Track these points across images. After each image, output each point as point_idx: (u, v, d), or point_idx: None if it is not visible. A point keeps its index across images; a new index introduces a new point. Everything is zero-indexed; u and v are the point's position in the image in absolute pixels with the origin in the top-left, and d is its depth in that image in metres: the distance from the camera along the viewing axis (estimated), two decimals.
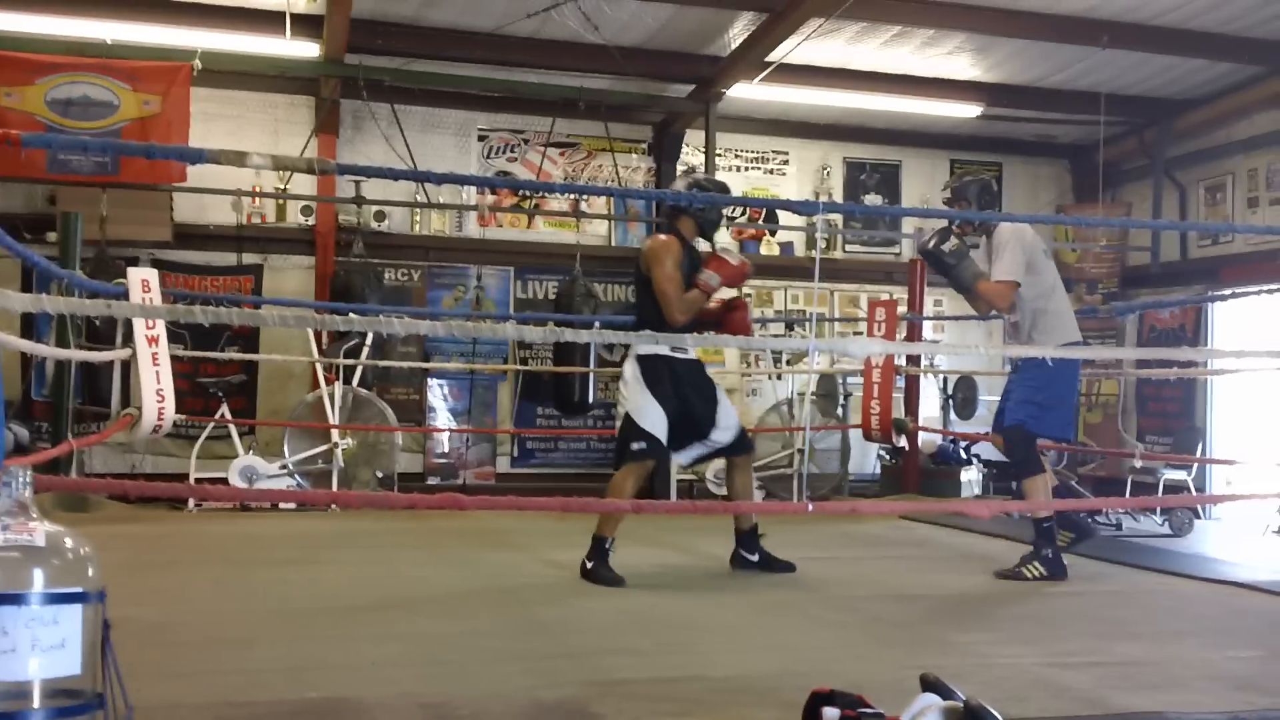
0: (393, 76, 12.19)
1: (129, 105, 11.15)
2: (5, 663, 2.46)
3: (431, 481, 13.27)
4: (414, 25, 11.93)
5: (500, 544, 7.59)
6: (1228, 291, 11.79)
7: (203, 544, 7.55)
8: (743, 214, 14.54)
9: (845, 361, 12.68)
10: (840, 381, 13.64)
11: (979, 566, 7.10)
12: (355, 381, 11.67)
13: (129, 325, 8.04)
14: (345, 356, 11.35)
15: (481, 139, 13.76)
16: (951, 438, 12.63)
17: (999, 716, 2.96)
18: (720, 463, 12.53)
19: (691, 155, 14.23)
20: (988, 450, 12.59)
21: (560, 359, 12.99)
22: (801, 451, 11.84)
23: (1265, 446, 12.49)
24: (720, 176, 13.70)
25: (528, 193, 13.81)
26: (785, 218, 14.47)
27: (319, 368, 11.61)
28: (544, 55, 12.32)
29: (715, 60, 12.59)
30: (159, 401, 7.77)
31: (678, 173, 13.86)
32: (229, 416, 11.38)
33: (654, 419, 6.26)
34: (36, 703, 2.54)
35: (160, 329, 7.83)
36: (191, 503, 10.09)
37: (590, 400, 13.04)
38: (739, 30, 11.82)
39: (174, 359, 8.35)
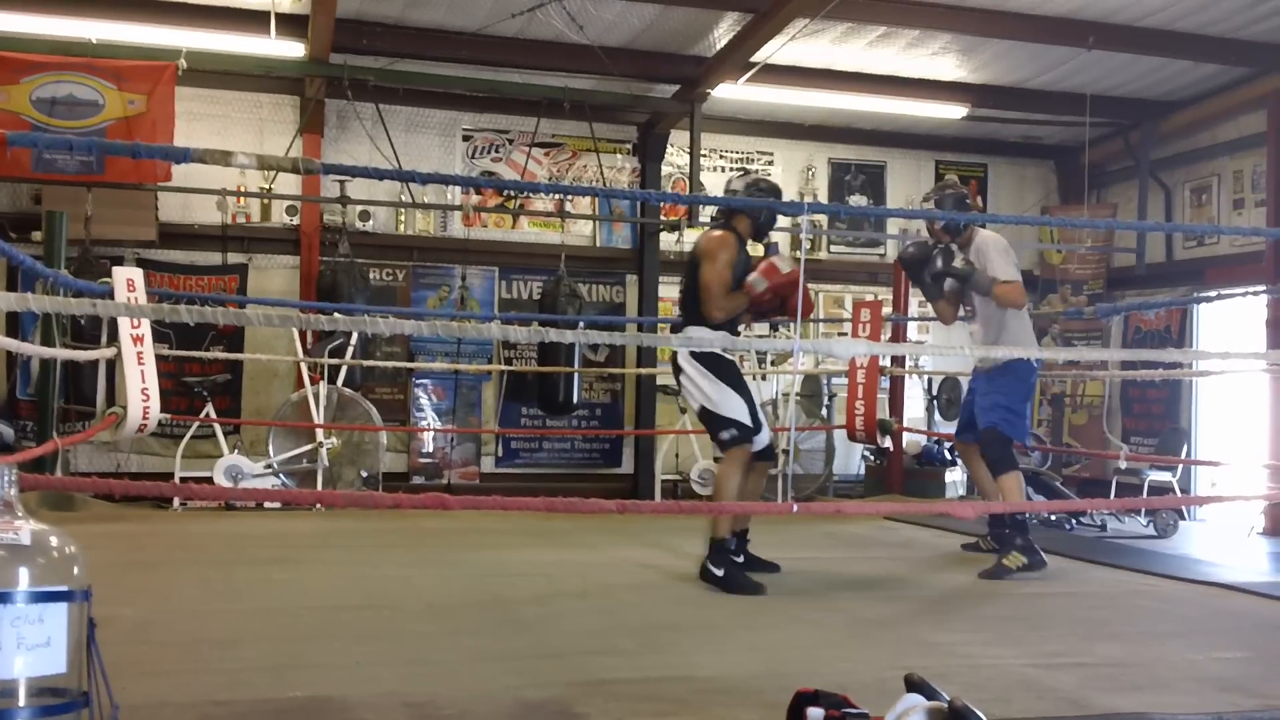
0: (377, 76, 12.16)
1: (114, 104, 11.12)
2: None
3: (416, 481, 13.25)
4: (399, 25, 11.92)
5: (485, 544, 7.59)
6: (1213, 293, 11.82)
7: (188, 543, 7.54)
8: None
9: (830, 362, 12.70)
10: (825, 382, 13.67)
11: (963, 567, 7.12)
12: (340, 381, 11.66)
13: (114, 324, 8.01)
14: (330, 356, 11.33)
15: (466, 139, 13.75)
16: (936, 439, 12.66)
17: (983, 717, 2.97)
18: (705, 463, 12.66)
19: (676, 155, 14.24)
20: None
21: (545, 359, 13.00)
22: (786, 452, 11.83)
23: (1249, 448, 12.53)
24: (704, 177, 13.76)
25: (512, 193, 13.79)
26: (733, 174, 14.50)
27: (304, 367, 11.60)
28: (529, 55, 12.31)
29: (700, 60, 12.59)
30: (144, 400, 7.75)
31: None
32: (214, 416, 11.36)
33: (733, 405, 6.29)
34: (22, 701, 2.54)
35: (145, 328, 7.81)
36: (176, 502, 10.08)
37: (575, 400, 13.04)
38: (724, 30, 11.82)
39: (159, 358, 8.32)
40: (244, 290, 12.78)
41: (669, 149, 14.21)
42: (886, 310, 10.89)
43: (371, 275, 13.11)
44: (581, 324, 11.93)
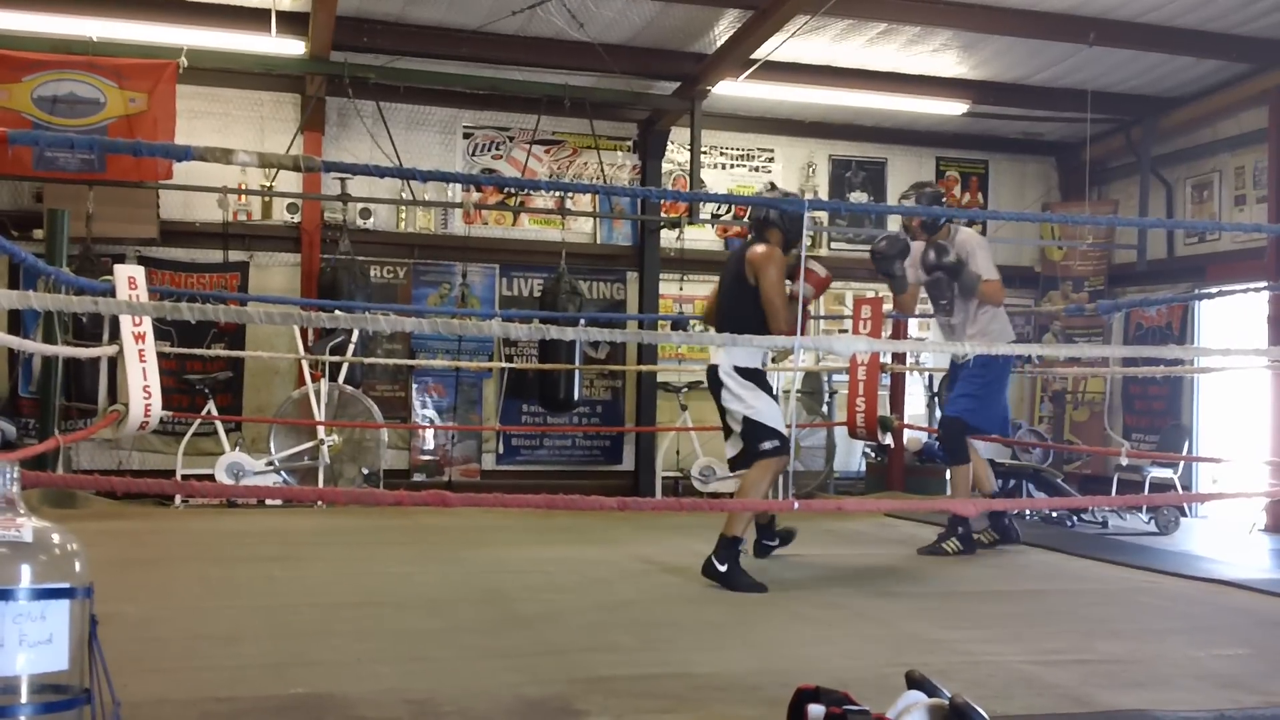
0: (378, 74, 12.17)
1: (115, 103, 11.12)
2: None
3: (417, 478, 13.27)
4: (399, 23, 11.92)
5: (485, 541, 7.60)
6: (1214, 289, 11.80)
7: (189, 540, 7.54)
8: (728, 211, 14.55)
9: (830, 359, 12.69)
10: (825, 379, 13.67)
11: (964, 564, 7.12)
12: (341, 378, 11.67)
13: (115, 322, 8.01)
14: (331, 353, 11.34)
15: (467, 136, 13.75)
16: (937, 436, 12.65)
17: (984, 714, 2.97)
18: (705, 460, 12.67)
19: (677, 153, 14.24)
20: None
21: (545, 357, 13.00)
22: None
23: (1251, 445, 12.52)
24: (704, 174, 13.76)
25: (513, 190, 13.80)
26: (763, 185, 14.48)
27: (305, 365, 11.61)
28: (529, 53, 12.31)
29: (700, 57, 12.59)
30: (145, 398, 7.75)
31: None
32: (215, 413, 11.38)
33: (775, 416, 6.48)
34: (24, 698, 2.54)
35: (147, 326, 7.81)
36: (178, 499, 10.09)
37: (575, 398, 13.04)
38: (724, 27, 11.82)
39: (160, 356, 8.32)
40: (245, 288, 12.79)
41: (669, 146, 14.21)
42: (887, 307, 10.86)
43: (372, 273, 13.12)
44: (582, 321, 11.93)
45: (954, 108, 13.67)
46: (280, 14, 11.13)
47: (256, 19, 11.19)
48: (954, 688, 3.13)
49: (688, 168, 13.63)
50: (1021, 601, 5.99)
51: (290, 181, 12.69)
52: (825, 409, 13.70)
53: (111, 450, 11.93)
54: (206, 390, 11.46)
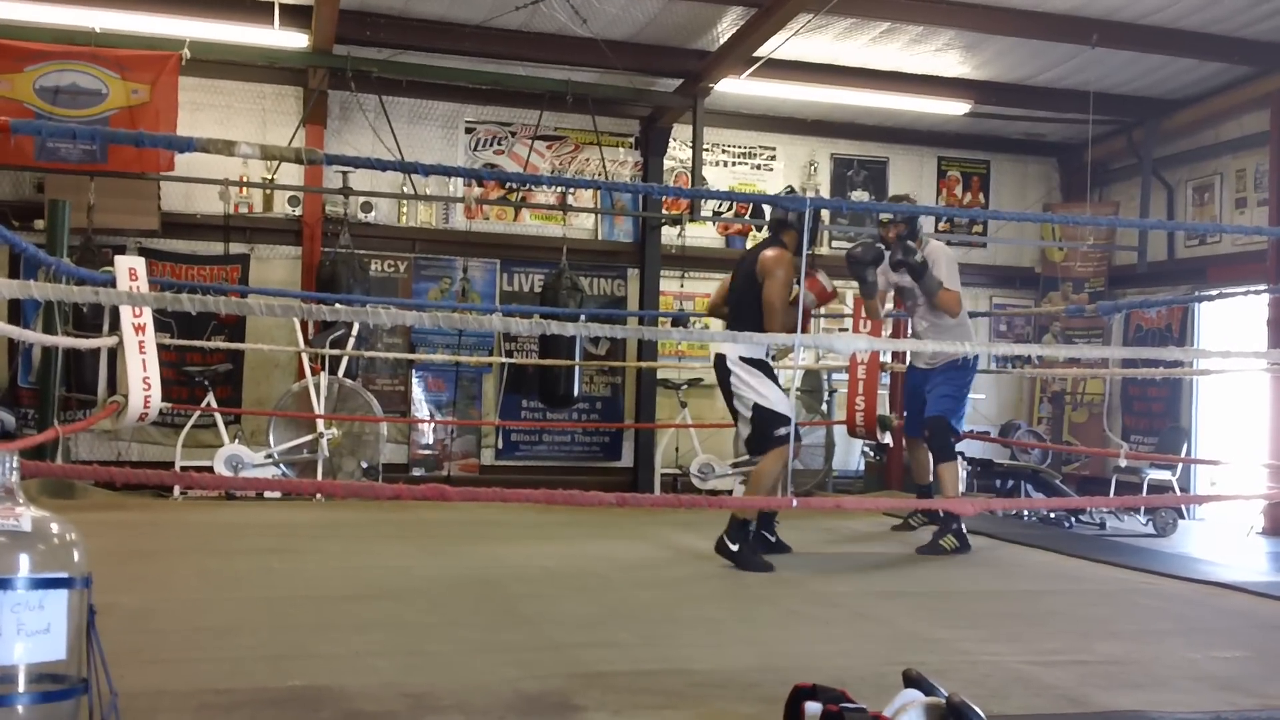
0: (380, 68, 12.16)
1: (117, 94, 11.12)
2: None
3: (416, 473, 13.27)
4: (402, 17, 11.91)
5: (483, 536, 7.60)
6: (1214, 292, 11.80)
7: (188, 532, 7.55)
8: (729, 209, 14.55)
9: (830, 357, 12.69)
10: (825, 377, 13.67)
11: (962, 564, 7.13)
12: (341, 372, 11.67)
13: (116, 313, 8.01)
14: (331, 347, 11.34)
15: (469, 131, 13.74)
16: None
17: (981, 713, 2.97)
18: (705, 457, 12.67)
19: (679, 150, 14.24)
20: (972, 448, 12.64)
21: (545, 352, 13.00)
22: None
23: (1249, 447, 12.53)
24: (706, 171, 13.75)
25: (515, 185, 13.80)
26: (783, 188, 14.47)
27: (304, 358, 11.61)
28: (532, 48, 12.30)
29: (703, 55, 12.58)
30: (145, 389, 7.75)
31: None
32: (215, 405, 11.37)
33: (784, 404, 6.79)
34: (21, 687, 2.54)
35: (147, 317, 7.81)
36: (177, 491, 10.09)
37: (575, 394, 13.04)
38: (727, 25, 11.82)
39: (160, 347, 8.32)
40: (246, 280, 12.79)
41: (671, 143, 14.20)
42: (888, 306, 10.86)
43: (373, 267, 13.11)
44: (583, 317, 11.93)
45: (956, 107, 13.66)
46: (283, 7, 11.12)
47: (259, 11, 11.18)
48: (951, 687, 3.13)
49: (689, 165, 13.63)
50: (1019, 602, 5.99)
51: (292, 175, 12.70)
52: (825, 408, 13.70)
53: (110, 441, 11.94)
54: (206, 382, 11.45)
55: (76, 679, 2.63)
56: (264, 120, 12.90)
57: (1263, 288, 10.28)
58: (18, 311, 11.10)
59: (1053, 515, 11.53)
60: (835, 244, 14.92)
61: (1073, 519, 11.86)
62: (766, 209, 14.38)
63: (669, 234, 14.12)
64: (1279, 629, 5.57)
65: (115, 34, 11.26)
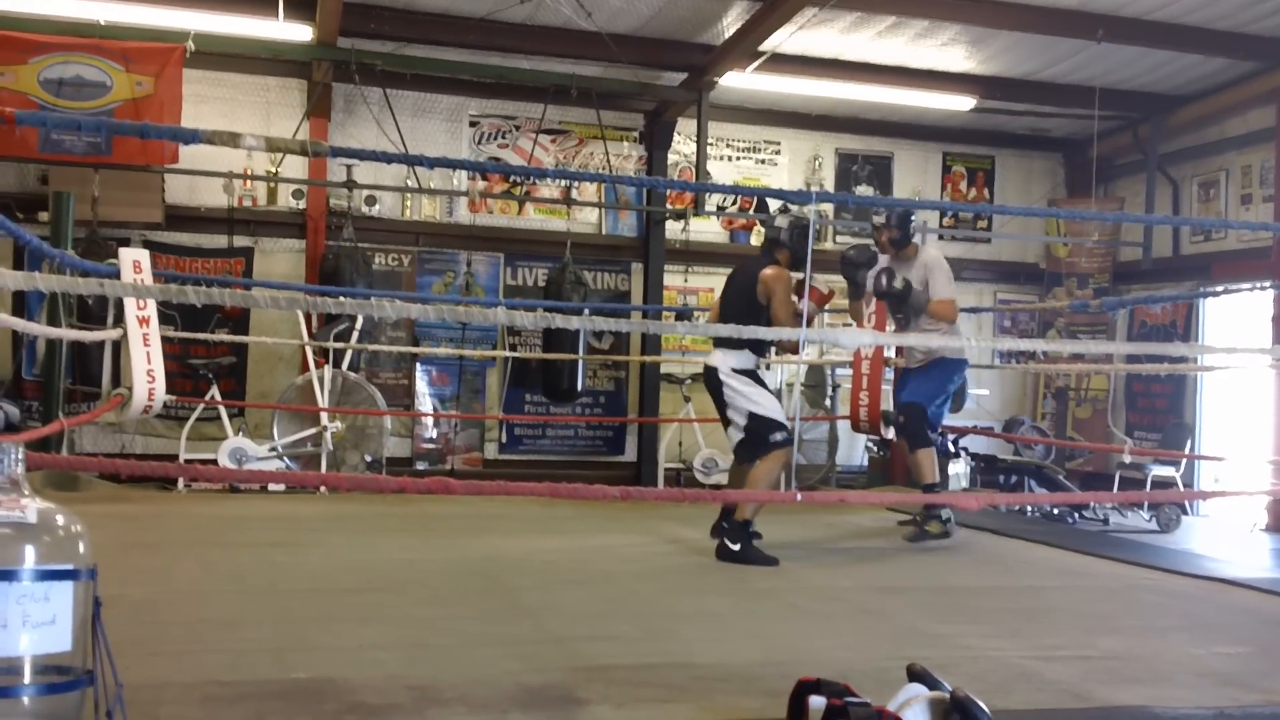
0: (385, 61, 12.16)
1: (122, 86, 11.12)
2: None
3: (419, 467, 13.28)
4: (407, 10, 11.90)
5: (487, 529, 7.60)
6: (1219, 288, 11.80)
7: (191, 524, 7.55)
8: (733, 203, 14.55)
9: (834, 352, 12.69)
10: (829, 372, 13.66)
11: (966, 559, 7.13)
12: (345, 365, 11.68)
13: (120, 305, 8.03)
14: (335, 340, 11.35)
15: (473, 125, 13.74)
16: (939, 431, 12.65)
17: (984, 708, 2.97)
18: (708, 452, 12.68)
19: (683, 144, 14.23)
20: (976, 443, 12.63)
21: (549, 346, 13.00)
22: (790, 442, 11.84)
23: (1253, 444, 12.52)
24: (711, 165, 13.74)
25: (518, 179, 13.79)
26: (776, 208, 14.44)
27: (308, 351, 11.62)
28: (536, 41, 12.29)
29: (708, 49, 12.58)
30: (149, 382, 7.77)
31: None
32: (219, 398, 11.38)
33: (777, 409, 6.93)
34: (27, 678, 2.55)
35: (151, 309, 7.83)
36: (181, 483, 10.10)
37: (578, 388, 13.05)
38: (732, 19, 11.81)
39: (164, 340, 8.35)
40: (250, 273, 12.80)
41: (676, 137, 14.21)
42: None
43: (376, 260, 13.12)
44: (586, 311, 11.92)
45: (961, 102, 13.65)
46: None
47: (264, 4, 11.18)
48: (955, 681, 3.13)
49: (694, 159, 13.63)
50: (1022, 597, 5.99)
51: (296, 167, 12.70)
52: (828, 402, 13.70)
53: (115, 434, 11.95)
54: (210, 375, 11.47)
55: (82, 670, 2.64)
56: (268, 113, 12.90)
57: (1268, 284, 10.24)
58: (22, 304, 11.11)
59: (1056, 511, 11.51)
60: (840, 239, 14.91)
61: (1076, 515, 11.84)
62: (771, 204, 14.46)
63: (673, 228, 14.11)
64: None
65: (120, 26, 11.26)
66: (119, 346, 8.24)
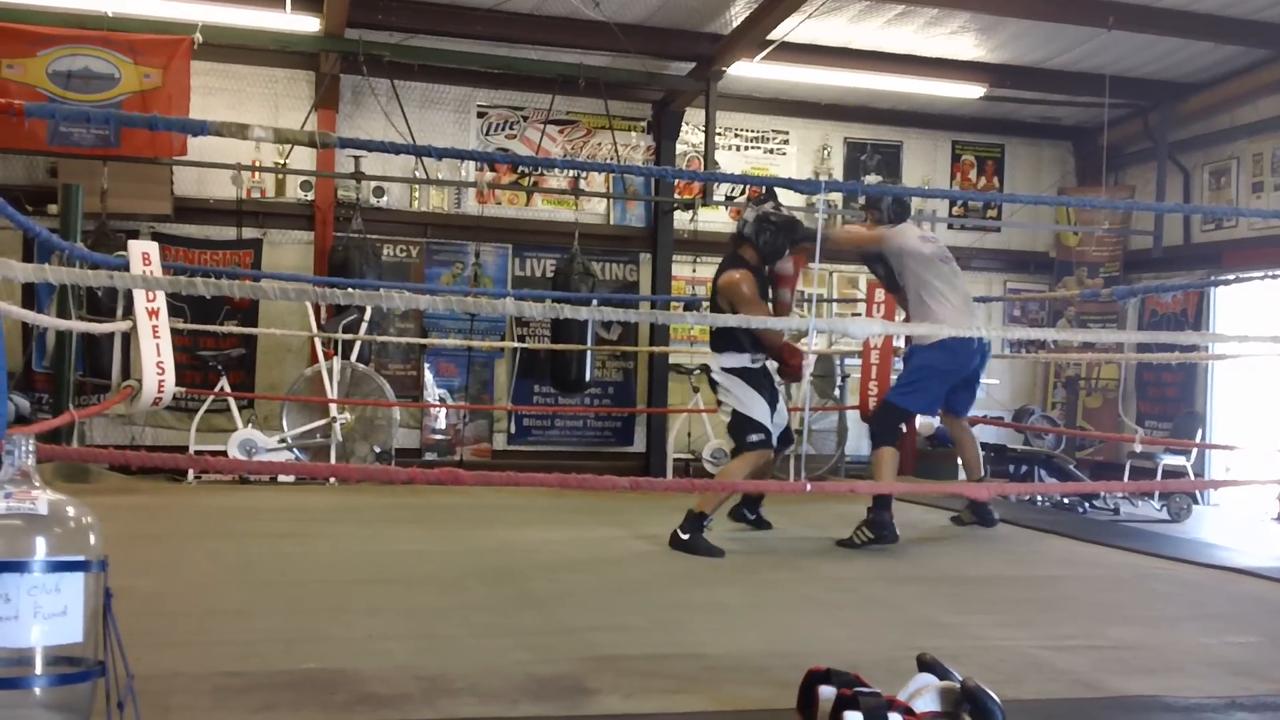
0: (392, 52, 12.15)
1: (130, 78, 11.13)
2: (7, 630, 2.47)
3: (428, 457, 13.29)
4: (414, 1, 11.90)
5: (495, 520, 7.60)
6: (1230, 276, 11.78)
7: (201, 516, 7.55)
8: (742, 193, 14.53)
9: (844, 342, 12.68)
10: (838, 362, 13.64)
11: (976, 549, 7.12)
12: (353, 357, 11.68)
13: (129, 297, 8.04)
14: (343, 332, 11.35)
15: (481, 115, 13.74)
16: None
17: (995, 697, 2.97)
18: (717, 442, 12.68)
19: (691, 134, 14.21)
20: (986, 433, 12.62)
21: (558, 337, 12.99)
22: (799, 432, 11.85)
23: (1265, 432, 12.50)
24: (719, 155, 13.70)
25: (526, 170, 13.79)
26: (785, 197, 14.39)
27: (317, 342, 11.62)
28: (544, 32, 12.28)
29: (716, 38, 12.56)
30: (159, 374, 7.78)
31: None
32: (228, 390, 11.40)
33: (762, 412, 6.76)
34: (38, 669, 2.55)
35: (161, 301, 7.84)
36: (191, 475, 10.12)
37: (587, 379, 13.05)
38: (740, 8, 11.79)
39: (174, 332, 8.35)
40: (258, 265, 12.81)
41: (684, 127, 14.19)
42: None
43: (385, 252, 13.13)
44: (595, 301, 11.92)
45: (971, 91, 13.62)
46: None
47: None
48: (965, 671, 3.12)
49: (702, 149, 13.61)
50: (1033, 587, 5.98)
51: (304, 159, 12.70)
52: (837, 393, 13.68)
53: (125, 426, 11.98)
54: (219, 367, 11.48)
55: (93, 661, 2.64)
56: (276, 105, 12.91)
57: (1279, 272, 10.23)
58: (32, 296, 11.11)
59: (1067, 500, 11.51)
60: (849, 229, 14.88)
61: (1087, 504, 11.84)
62: (780, 193, 14.42)
63: (681, 218, 14.11)
64: None
65: (127, 18, 11.27)
66: (128, 338, 8.24)
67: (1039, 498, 11.44)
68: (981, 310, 14.31)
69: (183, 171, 12.23)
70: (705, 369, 7.10)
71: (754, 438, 6.70)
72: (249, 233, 12.89)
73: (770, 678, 3.71)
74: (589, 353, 12.89)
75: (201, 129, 4.73)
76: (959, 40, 12.55)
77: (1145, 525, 10.58)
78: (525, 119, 13.82)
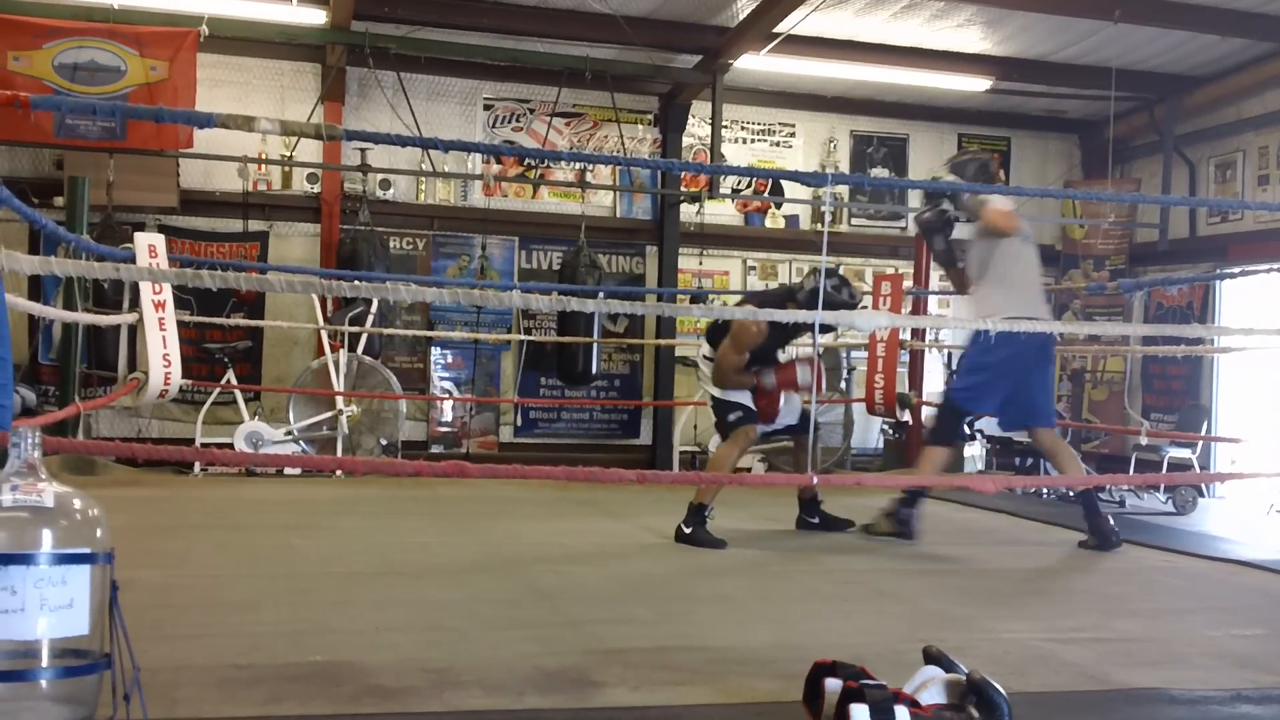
0: (399, 44, 12.16)
1: (136, 71, 11.13)
2: (14, 622, 2.48)
3: (435, 450, 13.30)
4: None
5: (502, 512, 7.61)
6: (1236, 269, 11.76)
7: (208, 508, 7.56)
8: (748, 186, 14.52)
9: (850, 335, 12.68)
10: (844, 355, 13.64)
11: (981, 541, 7.12)
12: (360, 349, 11.69)
13: (136, 290, 8.05)
14: (350, 324, 11.36)
15: (487, 108, 13.73)
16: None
17: (1001, 690, 2.97)
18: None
19: (698, 126, 14.21)
20: (991, 426, 12.60)
21: (564, 329, 13.00)
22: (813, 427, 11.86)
23: (1270, 425, 12.48)
24: (725, 148, 13.68)
25: (533, 162, 13.78)
26: (791, 190, 14.44)
27: (324, 335, 11.63)
28: (550, 24, 12.27)
29: (722, 31, 12.55)
30: (165, 366, 7.79)
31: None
32: (234, 382, 11.41)
33: (736, 392, 6.79)
34: (45, 661, 2.55)
35: (167, 294, 7.85)
36: (197, 467, 10.13)
37: (593, 371, 13.05)
38: (746, 0, 11.77)
39: (180, 325, 8.37)
40: (265, 258, 12.82)
41: (690, 120, 14.18)
42: (907, 284, 10.85)
43: (392, 244, 13.13)
44: (601, 294, 11.92)
45: (977, 84, 13.61)
46: None
47: None
48: (971, 664, 3.12)
49: (708, 142, 13.61)
50: (1038, 579, 5.98)
51: (310, 152, 12.71)
52: (844, 385, 13.69)
53: (131, 418, 11.99)
54: (226, 359, 11.50)
55: (99, 654, 2.64)
56: (282, 97, 12.91)
57: None
58: (38, 288, 11.13)
59: (1072, 493, 11.48)
60: (854, 222, 14.90)
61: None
62: (787, 186, 14.42)
63: (687, 211, 14.10)
64: None
65: (134, 10, 11.28)
66: (134, 331, 8.26)
67: (1044, 490, 11.43)
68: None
69: (189, 164, 12.23)
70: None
71: (733, 416, 6.78)
72: (255, 225, 12.89)
73: (776, 670, 3.71)
74: (595, 345, 12.89)
75: (207, 121, 4.73)
76: (965, 33, 12.53)
77: (1151, 518, 10.57)
78: (532, 111, 13.82)
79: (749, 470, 11.85)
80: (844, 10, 11.80)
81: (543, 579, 5.38)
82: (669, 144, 14.09)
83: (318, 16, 11.68)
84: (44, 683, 2.59)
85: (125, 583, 2.71)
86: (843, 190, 14.82)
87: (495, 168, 13.59)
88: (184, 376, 8.36)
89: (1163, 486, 11.90)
